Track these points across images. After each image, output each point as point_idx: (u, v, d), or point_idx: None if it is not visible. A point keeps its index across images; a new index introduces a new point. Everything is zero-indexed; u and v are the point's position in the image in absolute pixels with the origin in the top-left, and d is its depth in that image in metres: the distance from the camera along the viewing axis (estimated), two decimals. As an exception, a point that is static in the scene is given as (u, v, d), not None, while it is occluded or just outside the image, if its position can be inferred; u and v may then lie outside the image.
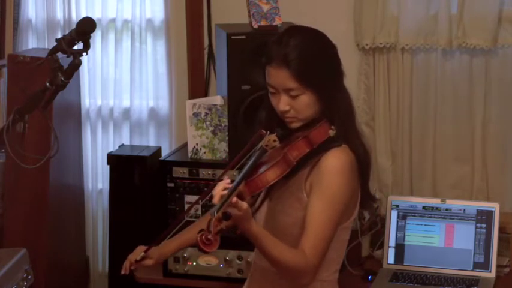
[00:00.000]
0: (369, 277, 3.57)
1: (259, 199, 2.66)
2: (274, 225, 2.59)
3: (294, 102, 2.51)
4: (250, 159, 2.49)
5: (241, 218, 2.34)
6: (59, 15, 4.35)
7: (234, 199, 2.32)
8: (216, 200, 2.36)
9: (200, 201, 2.56)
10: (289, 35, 2.54)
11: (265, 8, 3.62)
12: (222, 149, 3.66)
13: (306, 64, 2.49)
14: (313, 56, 2.51)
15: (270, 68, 2.53)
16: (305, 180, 2.55)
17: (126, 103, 4.36)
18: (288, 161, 2.47)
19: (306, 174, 2.55)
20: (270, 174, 2.45)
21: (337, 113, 2.55)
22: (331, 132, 2.53)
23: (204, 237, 2.27)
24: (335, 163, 2.51)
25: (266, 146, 2.49)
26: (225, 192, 2.36)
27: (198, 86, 4.21)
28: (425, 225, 3.60)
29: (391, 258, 3.61)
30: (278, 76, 2.50)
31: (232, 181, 2.42)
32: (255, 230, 2.40)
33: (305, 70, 2.48)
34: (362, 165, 2.59)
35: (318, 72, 2.51)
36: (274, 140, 2.50)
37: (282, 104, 2.52)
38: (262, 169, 2.46)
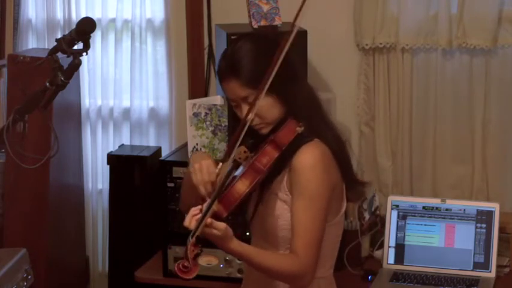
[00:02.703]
0: (369, 277, 3.57)
1: (252, 205, 2.64)
2: (265, 229, 2.59)
3: (256, 110, 2.48)
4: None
5: (221, 238, 2.32)
6: (59, 15, 4.35)
7: (209, 220, 2.29)
8: (191, 226, 2.32)
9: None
10: (232, 46, 2.55)
11: (265, 8, 3.62)
12: (222, 149, 3.66)
13: (251, 69, 2.48)
14: (257, 59, 2.50)
15: (222, 83, 2.54)
16: (285, 181, 2.54)
17: (126, 103, 4.36)
18: (257, 169, 2.43)
19: (286, 175, 2.54)
20: (240, 187, 2.40)
21: (300, 109, 2.53)
22: (299, 129, 2.50)
23: (181, 265, 2.26)
24: (307, 159, 2.49)
25: (239, 158, 2.44)
26: (199, 216, 2.32)
27: (198, 86, 4.21)
28: (425, 225, 3.60)
29: (391, 258, 3.61)
30: (231, 88, 2.51)
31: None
32: (238, 249, 2.38)
33: (252, 75, 2.47)
34: (337, 155, 2.56)
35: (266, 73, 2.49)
36: (245, 151, 2.44)
37: (245, 113, 2.49)
38: (232, 183, 2.42)
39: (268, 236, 2.57)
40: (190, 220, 2.34)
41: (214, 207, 2.34)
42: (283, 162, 2.51)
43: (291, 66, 2.55)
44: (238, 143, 2.43)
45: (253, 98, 2.45)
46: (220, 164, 2.47)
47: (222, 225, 2.32)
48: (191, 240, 2.27)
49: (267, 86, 2.41)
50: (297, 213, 2.48)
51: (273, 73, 2.40)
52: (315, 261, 2.48)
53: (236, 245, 2.37)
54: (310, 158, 2.49)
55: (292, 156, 2.51)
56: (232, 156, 2.44)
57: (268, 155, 2.46)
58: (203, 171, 2.46)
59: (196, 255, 2.28)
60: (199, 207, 2.36)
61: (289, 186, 2.53)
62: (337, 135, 2.59)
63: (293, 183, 2.51)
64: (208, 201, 2.36)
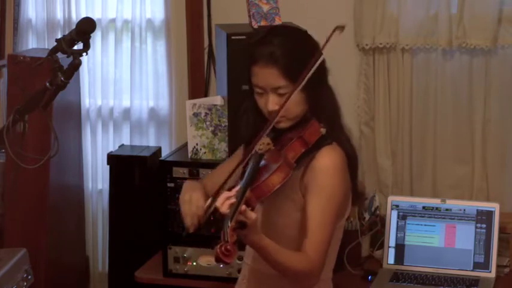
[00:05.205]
0: (369, 277, 3.57)
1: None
2: (270, 227, 2.58)
3: (283, 101, 2.50)
4: (248, 165, 2.46)
5: (249, 228, 2.32)
6: (59, 15, 4.35)
7: (243, 207, 2.29)
8: (223, 209, 2.32)
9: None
10: (273, 34, 2.54)
11: (265, 8, 3.62)
12: (222, 149, 3.66)
13: (293, 61, 2.48)
14: (299, 53, 2.50)
15: (256, 67, 2.51)
16: (300, 181, 2.54)
17: (126, 103, 4.36)
18: (289, 163, 2.45)
19: (300, 175, 2.54)
20: (275, 179, 2.42)
21: (324, 111, 2.55)
22: (323, 131, 2.52)
23: (223, 248, 2.23)
24: (329, 162, 2.50)
25: (260, 149, 2.47)
26: (232, 200, 2.32)
27: (198, 86, 4.21)
28: (425, 225, 3.61)
29: (391, 258, 3.62)
30: (266, 75, 2.49)
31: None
32: (260, 241, 2.38)
33: (293, 67, 2.47)
34: (351, 160, 2.58)
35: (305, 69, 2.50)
36: (268, 143, 2.47)
37: (271, 103, 2.49)
38: (265, 174, 2.43)
39: (273, 234, 2.55)
40: (223, 203, 2.33)
41: (247, 194, 2.35)
42: (299, 162, 2.51)
43: (323, 69, 2.57)
44: (266, 133, 2.45)
45: (286, 91, 2.46)
46: (210, 199, 2.44)
47: (253, 215, 2.31)
48: (230, 224, 2.26)
49: (303, 82, 2.44)
50: (311, 213, 2.48)
51: (312, 71, 2.43)
52: (323, 261, 2.49)
53: (259, 237, 2.37)
54: (330, 161, 2.51)
55: (311, 156, 2.51)
56: (256, 147, 2.45)
57: (295, 150, 2.48)
58: (192, 204, 2.47)
59: (236, 241, 2.27)
60: (232, 191, 2.36)
61: (303, 187, 2.53)
62: (350, 142, 2.61)
63: (310, 183, 2.51)
64: (240, 188, 2.35)
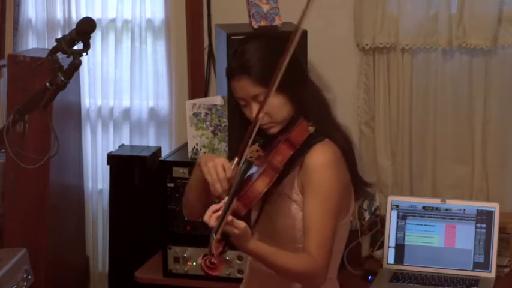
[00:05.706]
0: (369, 277, 3.57)
1: (257, 205, 2.62)
2: (273, 229, 2.58)
3: (266, 108, 2.50)
4: (238, 174, 2.46)
5: (239, 237, 2.32)
6: (59, 15, 4.35)
7: (230, 218, 2.29)
8: (211, 222, 2.33)
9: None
10: (243, 45, 2.55)
11: (265, 8, 3.62)
12: (222, 149, 3.66)
13: (264, 67, 2.48)
14: (270, 58, 2.50)
15: (233, 82, 2.53)
16: (296, 181, 2.54)
17: (126, 103, 4.36)
18: (274, 167, 2.44)
19: (296, 175, 2.54)
20: (259, 184, 2.41)
21: (309, 109, 2.54)
22: (311, 129, 2.51)
23: (208, 261, 2.25)
24: (320, 159, 2.50)
25: (250, 157, 2.46)
26: (219, 213, 2.32)
27: (198, 86, 4.21)
28: (425, 225, 3.61)
29: (391, 259, 3.62)
30: (242, 86, 2.51)
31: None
32: (254, 248, 2.38)
33: (263, 73, 2.48)
34: (346, 154, 2.57)
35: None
36: (257, 150, 2.46)
37: (255, 112, 2.50)
38: (251, 181, 2.43)
39: (276, 236, 2.56)
40: (211, 216, 2.34)
41: (234, 204, 2.34)
42: (293, 162, 2.51)
43: (300, 66, 2.57)
44: (250, 142, 2.44)
45: (264, 97, 2.46)
46: (236, 159, 2.46)
47: (241, 224, 2.32)
48: (215, 237, 2.27)
49: (276, 84, 2.41)
50: (310, 212, 2.48)
51: (282, 71, 2.40)
52: (328, 261, 2.48)
53: (253, 244, 2.38)
54: (322, 158, 2.50)
55: (304, 156, 2.51)
56: (245, 154, 2.44)
57: (283, 153, 2.47)
58: (218, 168, 2.43)
59: (221, 253, 2.29)
60: (221, 203, 2.36)
61: (300, 186, 2.53)
62: (345, 136, 2.60)
63: (305, 182, 2.51)
64: (228, 198, 2.36)
